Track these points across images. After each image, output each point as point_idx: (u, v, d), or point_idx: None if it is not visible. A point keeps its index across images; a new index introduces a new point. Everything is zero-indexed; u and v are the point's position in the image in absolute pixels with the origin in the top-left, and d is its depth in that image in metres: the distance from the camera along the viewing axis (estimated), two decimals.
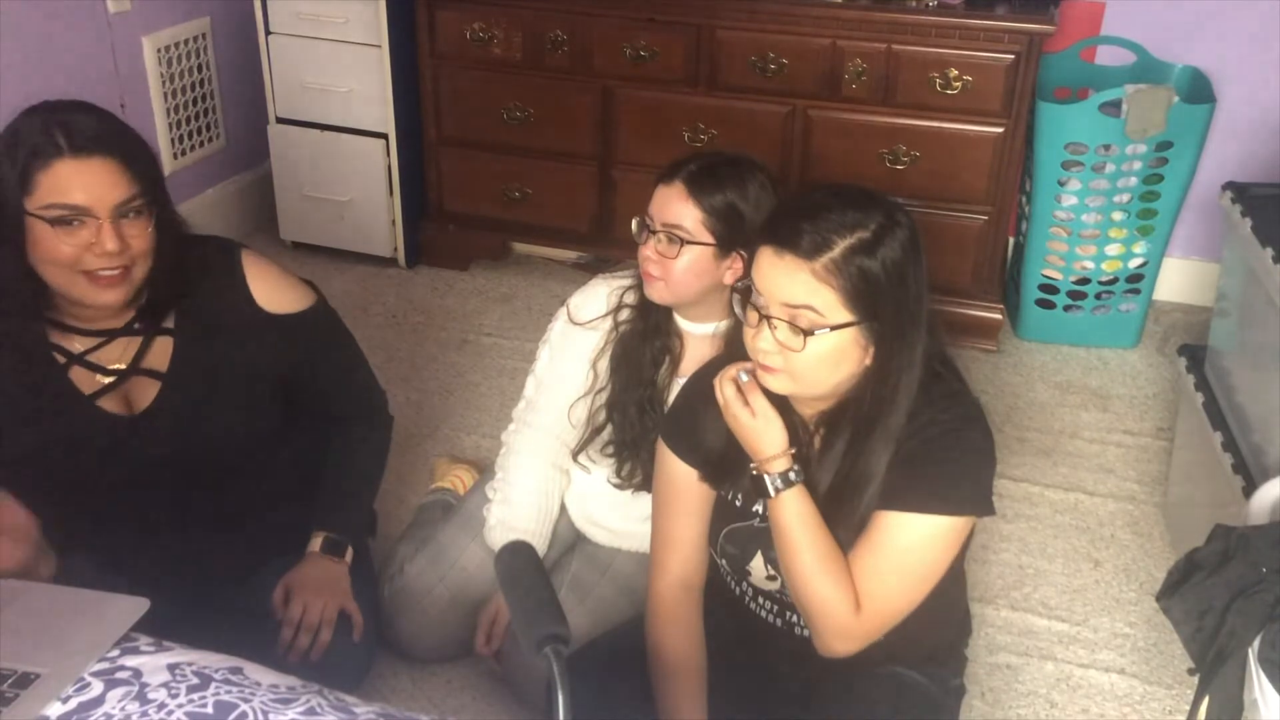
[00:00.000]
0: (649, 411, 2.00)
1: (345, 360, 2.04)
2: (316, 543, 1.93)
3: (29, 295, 1.67)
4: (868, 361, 1.48)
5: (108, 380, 1.75)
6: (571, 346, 2.05)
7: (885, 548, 1.52)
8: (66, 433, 1.74)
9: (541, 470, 2.09)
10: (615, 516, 2.12)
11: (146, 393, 1.78)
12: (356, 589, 1.96)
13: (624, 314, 2.01)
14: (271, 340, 1.85)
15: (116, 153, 1.61)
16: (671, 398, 1.99)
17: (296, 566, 1.90)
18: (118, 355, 1.76)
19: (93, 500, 1.79)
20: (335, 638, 1.88)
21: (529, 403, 2.13)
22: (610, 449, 2.06)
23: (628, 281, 2.02)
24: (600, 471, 2.10)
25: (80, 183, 1.59)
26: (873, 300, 1.44)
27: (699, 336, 1.99)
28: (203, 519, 1.88)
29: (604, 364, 2.02)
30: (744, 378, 1.54)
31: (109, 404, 1.76)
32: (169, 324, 1.78)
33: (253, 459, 1.89)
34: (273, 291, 1.85)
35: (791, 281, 1.44)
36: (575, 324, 2.05)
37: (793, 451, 1.54)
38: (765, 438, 1.53)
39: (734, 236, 1.86)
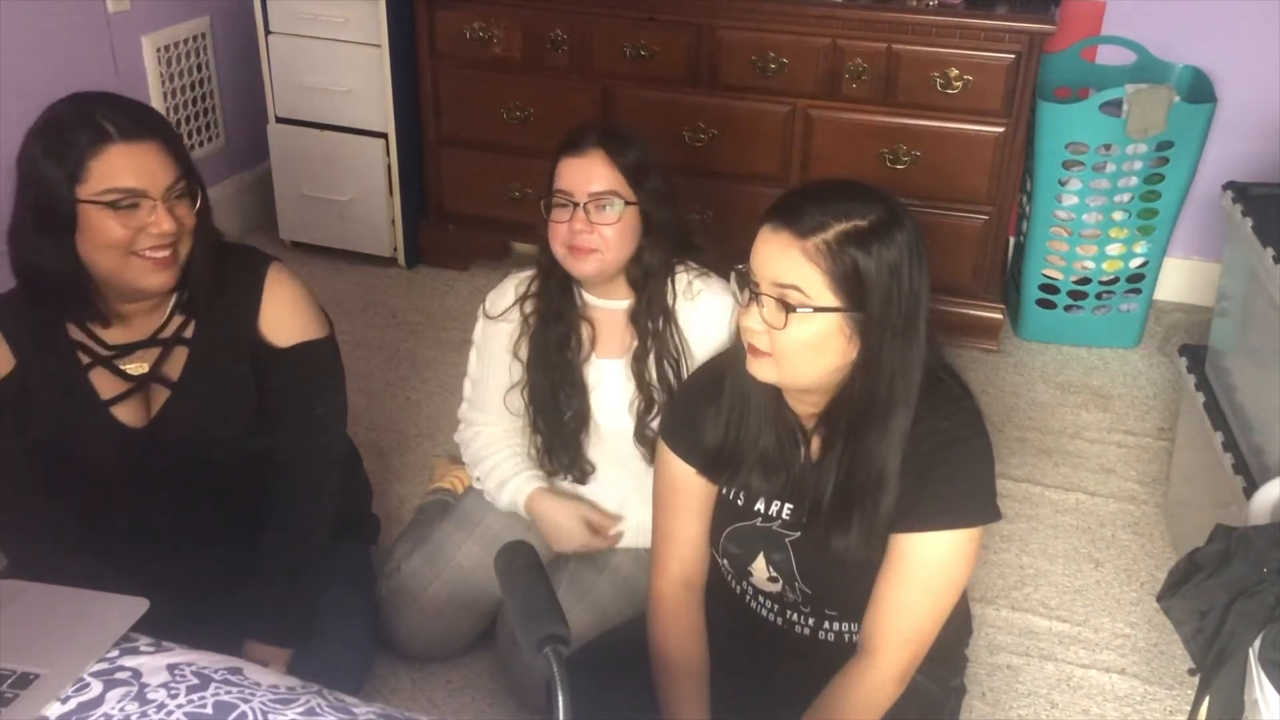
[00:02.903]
0: (564, 395, 2.02)
1: (305, 409, 1.91)
2: (250, 647, 1.84)
3: (72, 289, 1.69)
4: (852, 355, 1.48)
5: (127, 386, 1.77)
6: (492, 341, 2.09)
7: (913, 573, 1.52)
8: (80, 432, 1.77)
9: (510, 449, 2.12)
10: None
11: (157, 400, 1.80)
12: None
13: (529, 305, 2.04)
14: (255, 357, 1.84)
15: (160, 136, 1.67)
16: (589, 378, 2.01)
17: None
18: (142, 360, 1.79)
19: (99, 497, 1.81)
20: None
21: (470, 403, 2.17)
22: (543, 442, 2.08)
23: (532, 273, 2.05)
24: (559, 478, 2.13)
25: (133, 166, 1.63)
26: (860, 290, 1.43)
27: (611, 313, 2.01)
28: (202, 530, 1.87)
29: (523, 352, 2.05)
30: None
31: (126, 410, 1.78)
32: (188, 334, 1.81)
33: (255, 472, 1.88)
34: (281, 318, 1.85)
35: (782, 258, 1.45)
36: (490, 318, 2.09)
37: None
38: None
39: (646, 194, 1.91)
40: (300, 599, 1.91)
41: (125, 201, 1.63)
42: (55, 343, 1.75)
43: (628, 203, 1.89)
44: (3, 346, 1.74)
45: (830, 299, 1.44)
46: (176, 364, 1.80)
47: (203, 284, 1.78)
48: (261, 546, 1.88)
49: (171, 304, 1.79)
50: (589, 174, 1.89)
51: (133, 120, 1.65)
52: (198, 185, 1.73)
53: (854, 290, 1.43)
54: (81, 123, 1.63)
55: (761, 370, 1.51)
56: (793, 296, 1.44)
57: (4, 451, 1.76)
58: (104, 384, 1.77)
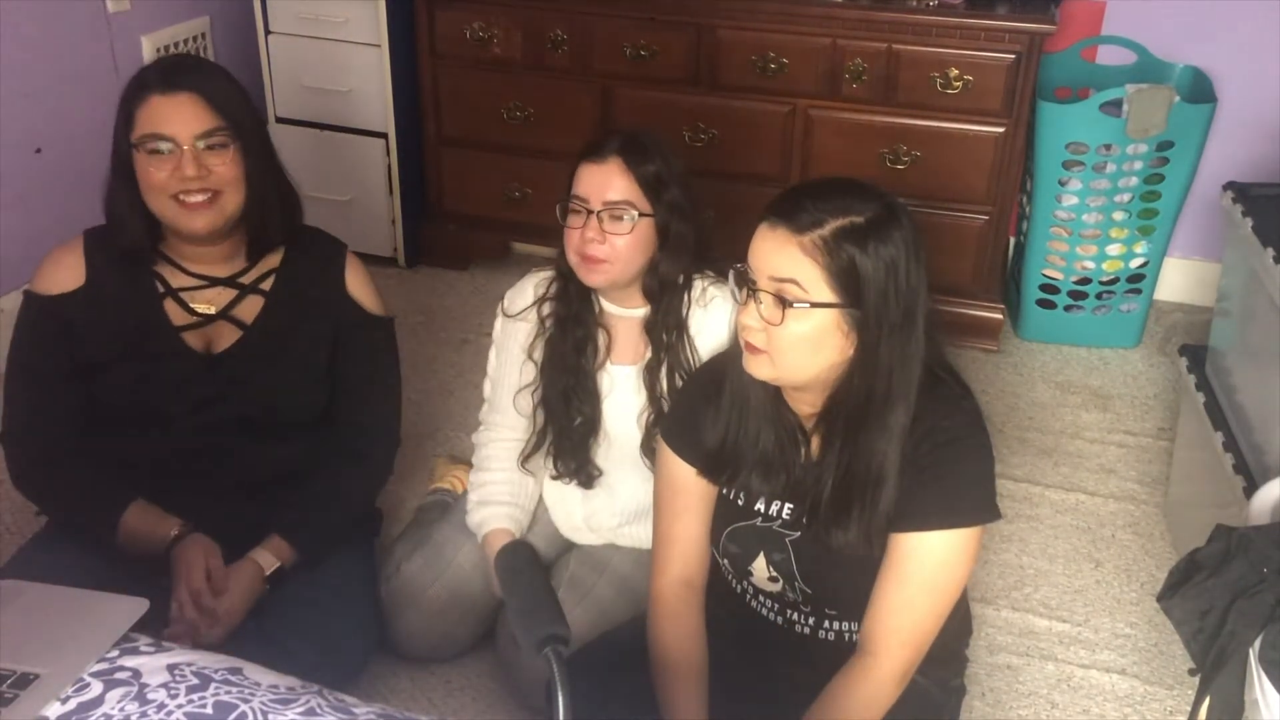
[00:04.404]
0: (575, 401, 2.01)
1: (377, 381, 2.06)
2: (267, 553, 1.88)
3: (142, 225, 1.86)
4: (850, 351, 1.48)
5: (196, 319, 1.91)
6: (510, 340, 2.08)
7: (913, 573, 1.52)
8: (149, 356, 1.89)
9: (510, 473, 2.11)
10: (601, 514, 2.11)
11: (226, 338, 1.93)
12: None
13: (547, 307, 2.03)
14: (338, 320, 1.99)
15: (200, 89, 1.81)
16: (602, 385, 2.00)
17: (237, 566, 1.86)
18: (211, 302, 1.92)
19: (150, 425, 1.89)
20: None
21: (489, 404, 2.16)
22: (551, 444, 2.07)
23: (551, 273, 2.04)
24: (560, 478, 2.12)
25: (165, 115, 1.79)
26: (857, 286, 1.44)
27: (627, 320, 2.00)
28: (241, 475, 1.93)
29: (538, 354, 2.04)
30: None
31: (195, 338, 1.91)
32: (266, 286, 1.95)
33: (301, 427, 1.97)
34: (360, 285, 2.03)
35: (780, 254, 1.45)
36: (509, 317, 2.08)
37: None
38: None
39: (663, 206, 1.88)
40: (331, 525, 1.98)
41: (151, 146, 1.79)
42: (137, 269, 1.90)
43: (643, 214, 1.87)
44: (79, 263, 1.90)
45: (827, 294, 1.44)
46: (251, 309, 1.94)
47: (260, 233, 1.92)
48: (318, 472, 1.97)
49: (243, 256, 1.93)
50: (605, 182, 1.87)
51: (175, 73, 1.81)
52: (245, 138, 1.85)
53: (851, 286, 1.44)
54: (139, 75, 1.83)
55: (758, 368, 1.51)
56: (790, 292, 1.44)
57: (44, 357, 1.88)
58: (176, 314, 1.91)
